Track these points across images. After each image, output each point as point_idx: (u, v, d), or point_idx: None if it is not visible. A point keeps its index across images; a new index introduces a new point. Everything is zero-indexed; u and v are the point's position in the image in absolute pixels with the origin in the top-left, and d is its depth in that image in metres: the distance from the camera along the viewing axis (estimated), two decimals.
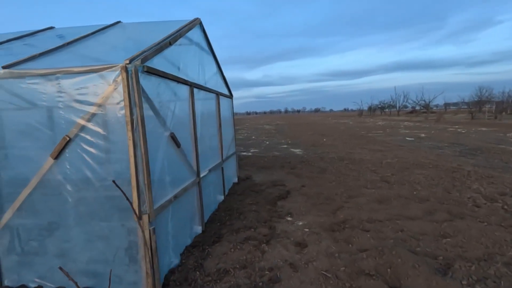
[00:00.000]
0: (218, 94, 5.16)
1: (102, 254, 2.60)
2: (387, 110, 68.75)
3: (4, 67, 2.50)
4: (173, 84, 3.21)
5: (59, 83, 2.45)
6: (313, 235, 3.64)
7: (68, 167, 2.52)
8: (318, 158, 9.35)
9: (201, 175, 3.95)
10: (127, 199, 2.21)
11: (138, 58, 2.45)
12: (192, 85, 3.74)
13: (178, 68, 3.49)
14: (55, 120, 2.53)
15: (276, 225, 4.01)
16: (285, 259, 3.08)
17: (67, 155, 2.51)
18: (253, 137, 18.45)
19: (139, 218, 2.44)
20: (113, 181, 2.16)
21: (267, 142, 15.03)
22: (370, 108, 72.43)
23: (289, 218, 4.26)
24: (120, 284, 2.59)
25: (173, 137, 3.10)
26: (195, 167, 3.79)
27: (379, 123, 31.93)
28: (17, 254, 2.71)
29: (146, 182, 2.44)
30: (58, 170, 2.54)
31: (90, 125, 2.45)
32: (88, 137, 2.46)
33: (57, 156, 2.51)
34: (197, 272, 2.87)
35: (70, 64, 2.50)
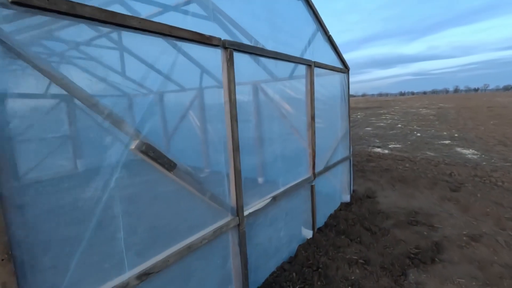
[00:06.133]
0: (311, 65, 3.11)
1: None
2: None
3: None
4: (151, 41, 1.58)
5: None
6: None
7: None
8: None
9: (247, 213, 2.22)
10: None
11: None
12: (229, 47, 1.97)
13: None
14: None
15: None
16: None
17: None
18: (399, 125, 14.38)
19: None
20: None
21: (418, 134, 11.05)
22: None
23: None
24: None
25: (144, 151, 1.51)
26: (230, 202, 2.09)
27: None
28: None
29: None
30: None
31: None
32: None
33: None
34: None
35: None
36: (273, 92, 4.60)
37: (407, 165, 6.14)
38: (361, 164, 6.41)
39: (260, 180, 3.74)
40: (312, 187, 3.22)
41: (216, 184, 2.00)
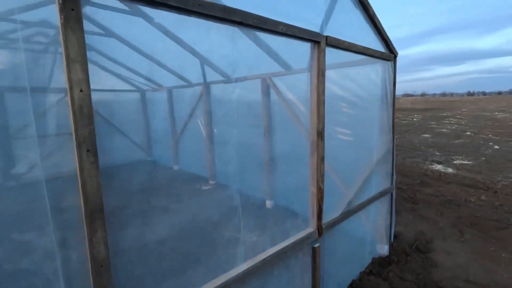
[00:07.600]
0: (319, 42, 1.78)
1: None
2: None
3: None
4: None
5: None
6: None
7: None
8: None
9: None
10: None
11: None
12: None
13: None
14: None
15: None
16: None
17: None
18: (468, 133, 11.72)
19: None
20: None
21: (495, 146, 8.60)
22: None
23: None
24: None
25: None
26: None
27: None
28: None
29: None
30: None
31: None
32: None
33: None
34: None
35: None
36: (285, 89, 3.35)
37: (483, 196, 4.31)
38: (412, 190, 4.74)
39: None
40: (315, 249, 1.92)
41: None
